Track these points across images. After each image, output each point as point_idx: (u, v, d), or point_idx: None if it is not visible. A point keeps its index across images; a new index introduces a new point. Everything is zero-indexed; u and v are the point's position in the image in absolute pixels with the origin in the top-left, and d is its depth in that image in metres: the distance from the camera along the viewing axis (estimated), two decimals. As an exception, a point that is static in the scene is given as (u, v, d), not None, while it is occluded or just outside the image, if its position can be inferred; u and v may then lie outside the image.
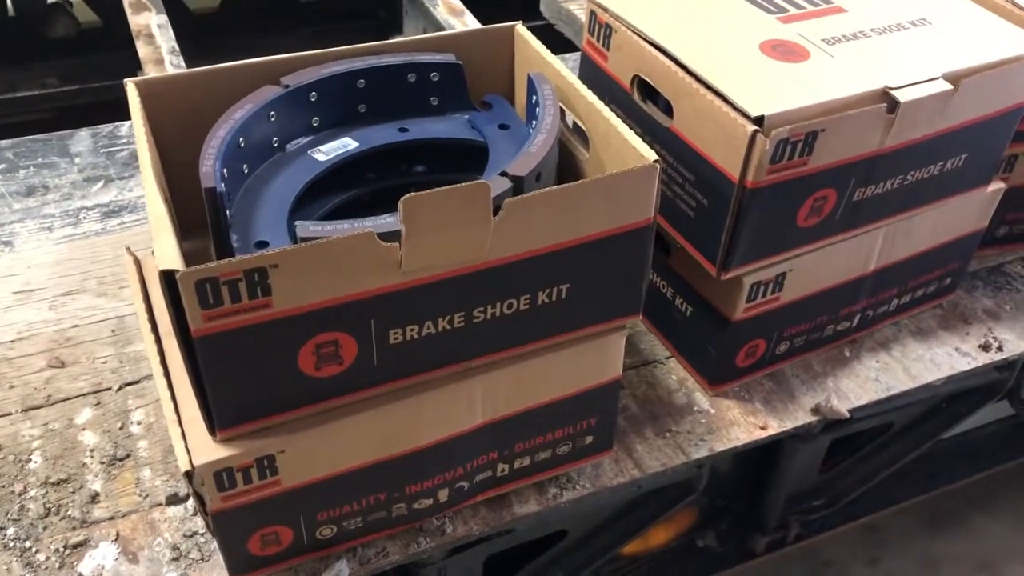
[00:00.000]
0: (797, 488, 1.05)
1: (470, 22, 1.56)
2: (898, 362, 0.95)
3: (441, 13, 1.59)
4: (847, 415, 0.89)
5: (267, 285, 0.55)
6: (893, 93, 0.75)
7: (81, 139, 1.20)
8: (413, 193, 0.55)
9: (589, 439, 0.79)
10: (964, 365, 0.96)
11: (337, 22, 2.00)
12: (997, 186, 0.93)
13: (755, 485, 1.05)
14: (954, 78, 0.77)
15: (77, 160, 1.17)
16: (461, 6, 1.61)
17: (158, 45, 1.44)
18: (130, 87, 0.70)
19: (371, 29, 1.97)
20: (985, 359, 0.97)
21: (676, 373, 0.92)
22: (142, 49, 1.43)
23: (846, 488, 1.09)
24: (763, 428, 0.87)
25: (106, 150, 1.19)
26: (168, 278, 0.53)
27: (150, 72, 1.37)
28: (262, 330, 0.57)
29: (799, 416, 0.89)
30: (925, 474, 1.23)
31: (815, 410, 0.89)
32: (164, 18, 1.52)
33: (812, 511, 1.09)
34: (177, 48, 1.43)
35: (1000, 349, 0.98)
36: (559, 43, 1.52)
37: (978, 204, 0.93)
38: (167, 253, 0.54)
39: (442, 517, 0.77)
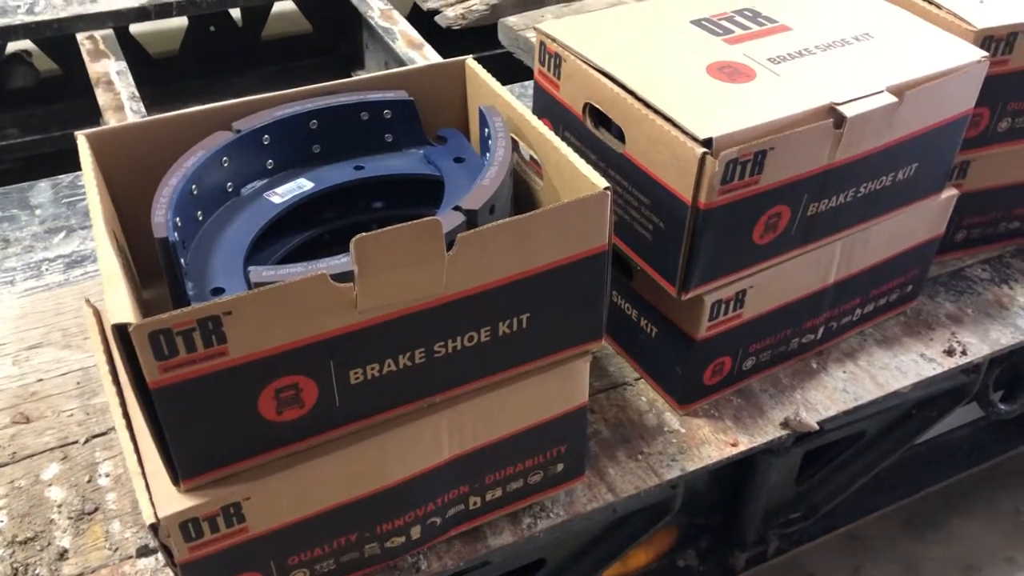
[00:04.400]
0: (774, 502, 1.06)
1: (429, 54, 1.57)
2: (865, 371, 0.96)
3: (401, 47, 1.61)
4: (816, 427, 0.89)
5: (221, 333, 0.55)
6: (839, 108, 0.76)
7: (41, 190, 1.20)
8: (364, 233, 0.56)
9: (560, 466, 0.79)
10: (930, 371, 0.96)
11: (298, 59, 2.00)
12: (950, 193, 0.94)
13: (732, 501, 1.06)
14: (899, 91, 0.79)
15: (38, 212, 1.16)
16: (420, 39, 1.63)
17: (117, 92, 1.44)
18: (81, 140, 0.70)
19: (332, 65, 1.97)
20: (950, 364, 0.98)
21: (645, 394, 0.93)
22: (101, 96, 1.43)
23: (823, 499, 1.09)
24: (734, 445, 0.88)
25: (67, 200, 1.18)
26: (121, 331, 0.53)
27: (110, 119, 1.37)
28: (219, 378, 0.56)
29: (769, 431, 0.89)
30: (901, 480, 1.24)
31: (785, 424, 0.90)
32: (123, 64, 1.52)
33: (790, 523, 1.10)
34: (137, 94, 1.44)
35: (964, 353, 0.99)
36: (518, 70, 1.53)
37: (933, 211, 0.94)
38: (119, 306, 0.54)
39: (416, 554, 0.76)
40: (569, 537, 0.90)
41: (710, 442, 0.88)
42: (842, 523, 1.19)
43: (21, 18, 1.57)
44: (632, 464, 0.85)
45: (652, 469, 0.85)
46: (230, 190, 0.73)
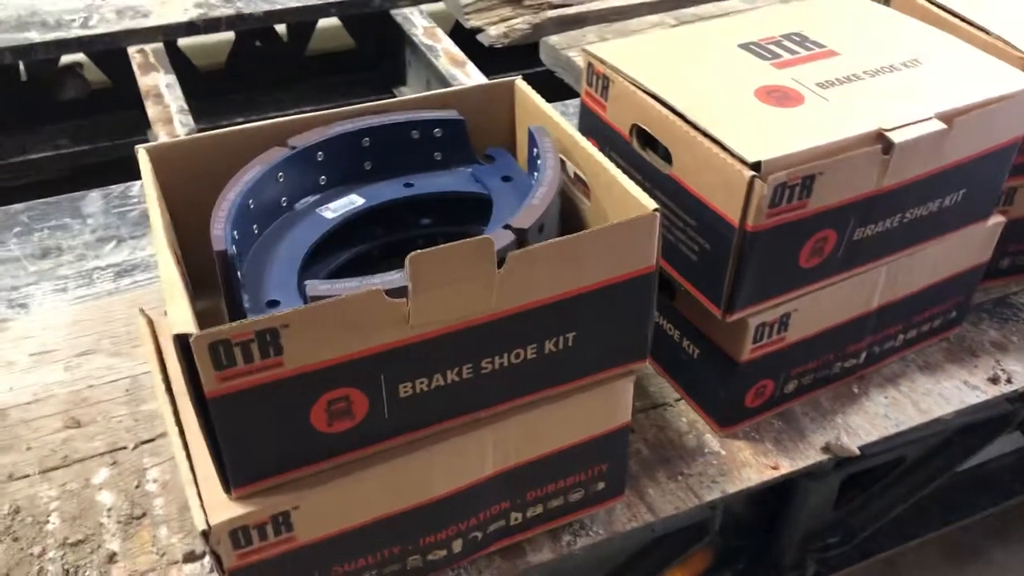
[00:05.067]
0: (812, 526, 1.05)
1: (472, 72, 1.59)
2: (907, 397, 0.96)
3: (443, 64, 1.62)
4: (857, 452, 0.89)
5: (279, 345, 0.56)
6: (888, 134, 0.76)
7: (93, 200, 1.23)
8: (419, 251, 0.57)
9: (601, 485, 0.80)
10: (973, 398, 0.96)
11: (341, 74, 2.03)
12: (997, 220, 0.94)
13: (770, 524, 1.05)
14: (947, 117, 0.79)
15: (90, 221, 1.19)
16: (463, 56, 1.65)
17: (167, 104, 1.47)
18: (141, 153, 0.72)
19: (374, 81, 2.00)
20: (994, 392, 0.97)
21: (686, 415, 0.93)
22: (151, 109, 1.46)
23: (862, 524, 1.09)
24: (775, 468, 0.88)
25: (117, 210, 1.21)
26: (182, 341, 0.54)
27: (159, 131, 1.40)
28: (274, 389, 0.58)
29: (810, 455, 0.89)
30: (942, 507, 1.23)
31: (826, 448, 0.89)
32: (172, 78, 1.55)
33: (828, 548, 1.09)
34: (186, 107, 1.47)
35: (1009, 381, 0.98)
36: (560, 89, 1.54)
37: (979, 238, 0.94)
38: (180, 317, 0.56)
39: (457, 568, 0.77)
40: (607, 556, 0.90)
41: (750, 465, 0.88)
42: (881, 549, 1.18)
43: (76, 32, 1.61)
44: (672, 485, 0.86)
45: (692, 490, 0.85)
46: (284, 205, 0.74)
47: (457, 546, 0.75)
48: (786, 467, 0.88)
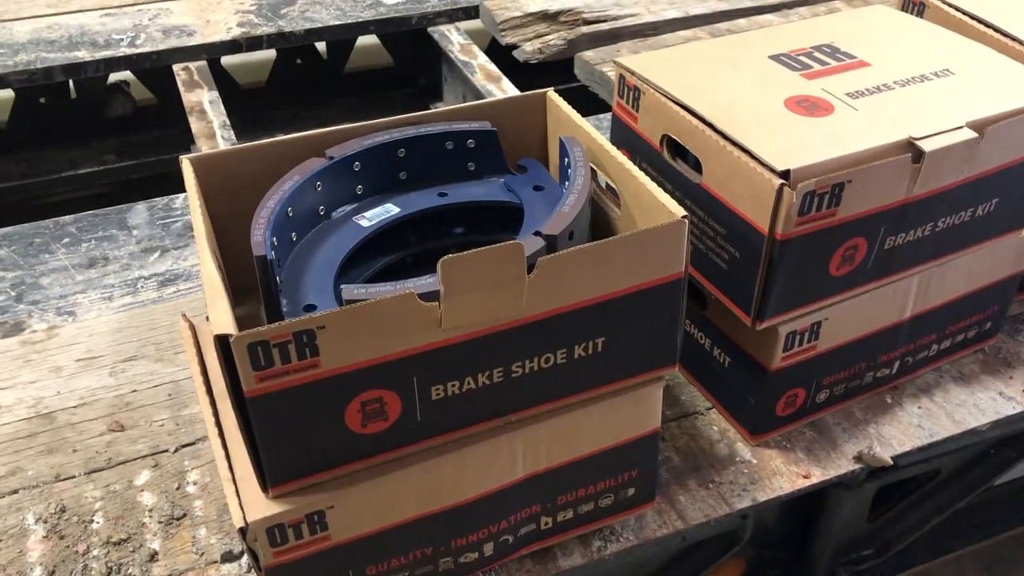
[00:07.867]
0: (845, 537, 1.05)
1: (507, 87, 1.61)
2: (941, 408, 0.95)
3: (479, 80, 1.65)
4: (890, 462, 0.89)
5: (315, 346, 0.58)
6: (918, 143, 0.76)
7: (138, 212, 1.26)
8: (451, 255, 0.58)
9: (631, 491, 0.80)
10: (1009, 410, 0.95)
11: (379, 91, 2.06)
12: (1032, 230, 0.93)
13: (802, 535, 1.05)
14: (979, 126, 0.79)
15: (135, 232, 1.23)
16: (498, 72, 1.67)
17: (210, 120, 1.51)
18: (185, 163, 0.75)
19: (411, 97, 2.03)
20: (1031, 403, 0.96)
21: (717, 424, 0.93)
22: (195, 124, 1.50)
23: (896, 537, 1.08)
24: (806, 477, 0.88)
25: (162, 222, 1.24)
26: (222, 342, 0.56)
27: (203, 146, 1.44)
28: (311, 389, 0.60)
29: (842, 464, 0.89)
30: (979, 521, 1.21)
31: (858, 458, 0.89)
32: (215, 94, 1.59)
33: (862, 561, 1.08)
34: (228, 122, 1.50)
35: (1046, 393, 0.97)
36: (594, 103, 1.56)
37: (1014, 248, 0.93)
38: (221, 319, 0.58)
39: (488, 571, 0.78)
40: (638, 563, 0.90)
41: (782, 473, 0.88)
42: (916, 563, 1.16)
43: (123, 51, 1.66)
44: (703, 492, 0.86)
45: (723, 498, 0.85)
46: (322, 213, 0.77)
47: (488, 549, 0.76)
48: (818, 476, 0.88)
